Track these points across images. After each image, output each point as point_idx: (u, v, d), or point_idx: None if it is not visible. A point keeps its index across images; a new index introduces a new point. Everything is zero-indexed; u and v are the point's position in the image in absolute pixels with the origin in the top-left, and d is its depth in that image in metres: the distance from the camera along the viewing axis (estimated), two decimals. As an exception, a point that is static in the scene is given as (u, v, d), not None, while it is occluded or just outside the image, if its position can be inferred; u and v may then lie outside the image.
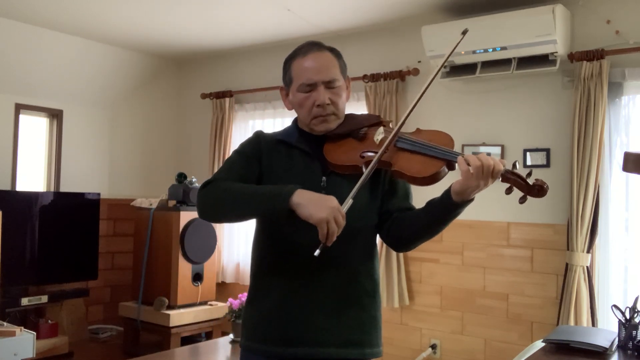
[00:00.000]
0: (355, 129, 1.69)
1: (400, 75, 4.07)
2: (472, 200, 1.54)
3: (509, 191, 1.51)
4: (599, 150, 3.31)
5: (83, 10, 4.00)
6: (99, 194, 4.73)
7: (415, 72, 4.06)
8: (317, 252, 1.46)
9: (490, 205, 3.65)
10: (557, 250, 3.52)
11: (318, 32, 4.37)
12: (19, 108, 4.54)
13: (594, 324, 3.29)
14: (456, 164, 1.52)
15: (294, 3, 3.78)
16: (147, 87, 5.40)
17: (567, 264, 3.38)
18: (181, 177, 4.59)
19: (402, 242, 1.72)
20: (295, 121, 1.78)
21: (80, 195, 4.65)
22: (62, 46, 4.54)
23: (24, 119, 4.62)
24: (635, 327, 2.26)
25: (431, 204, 1.63)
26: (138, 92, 5.35)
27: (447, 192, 1.55)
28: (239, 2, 3.78)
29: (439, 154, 1.55)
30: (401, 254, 4.02)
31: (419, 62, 4.05)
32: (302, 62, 1.67)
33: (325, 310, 1.61)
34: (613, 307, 2.35)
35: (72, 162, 4.87)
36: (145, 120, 5.42)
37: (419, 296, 4.06)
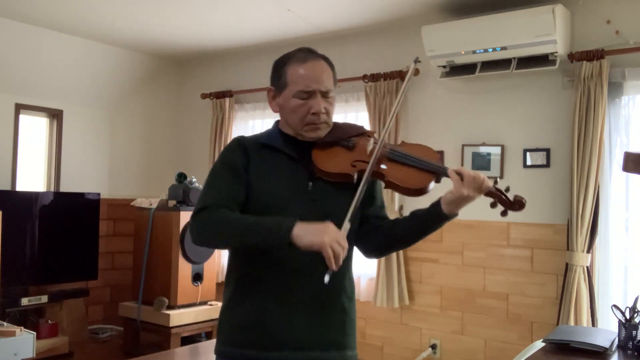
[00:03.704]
0: (343, 138, 1.71)
1: (400, 75, 4.07)
2: (456, 215, 1.64)
3: (494, 205, 1.67)
4: (599, 150, 3.31)
5: (83, 11, 4.00)
6: (99, 194, 4.72)
7: (416, 72, 4.06)
8: (326, 279, 1.49)
9: (490, 205, 3.64)
10: (557, 250, 3.52)
11: (318, 32, 4.37)
12: (19, 108, 4.54)
13: (594, 324, 3.29)
14: (442, 177, 1.63)
15: (294, 3, 3.78)
16: (147, 87, 5.39)
17: (567, 264, 3.38)
18: (181, 177, 4.58)
19: (378, 248, 1.77)
20: (277, 124, 1.76)
21: (80, 195, 4.65)
22: (62, 46, 4.54)
23: (24, 119, 4.62)
24: (635, 327, 2.26)
25: (416, 214, 1.69)
26: (138, 92, 5.34)
27: (437, 204, 1.62)
28: (239, 2, 3.78)
29: (430, 168, 1.64)
30: (401, 254, 4.02)
31: (419, 62, 4.03)
32: (300, 68, 1.65)
33: (308, 313, 1.61)
34: (613, 307, 2.35)
35: (72, 162, 4.87)
36: (145, 120, 5.42)
37: (419, 296, 4.06)
